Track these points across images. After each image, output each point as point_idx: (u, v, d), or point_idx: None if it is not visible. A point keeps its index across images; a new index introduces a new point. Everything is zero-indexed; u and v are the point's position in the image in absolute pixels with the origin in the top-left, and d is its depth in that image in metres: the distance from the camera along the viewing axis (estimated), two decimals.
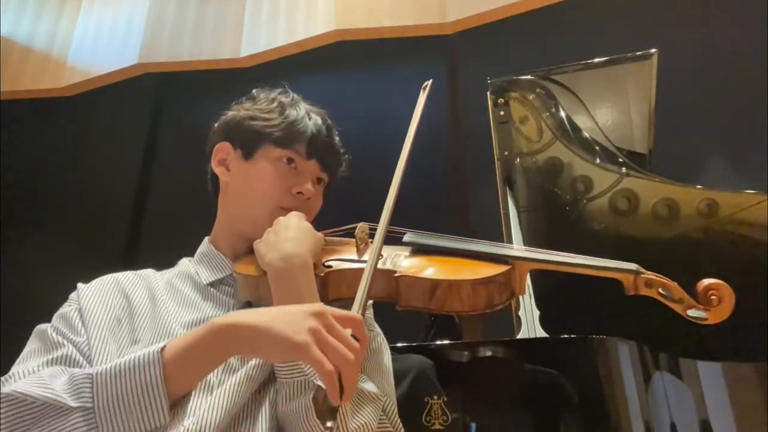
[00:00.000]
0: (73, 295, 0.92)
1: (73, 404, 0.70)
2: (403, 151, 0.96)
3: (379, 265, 0.87)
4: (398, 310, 0.87)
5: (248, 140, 1.01)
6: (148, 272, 1.00)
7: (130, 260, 3.32)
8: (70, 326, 0.86)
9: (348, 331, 0.70)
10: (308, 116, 1.03)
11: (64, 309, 0.89)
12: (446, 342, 1.53)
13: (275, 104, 1.03)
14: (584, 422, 1.24)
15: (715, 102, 2.66)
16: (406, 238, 0.96)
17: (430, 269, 0.87)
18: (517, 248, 0.97)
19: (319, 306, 0.71)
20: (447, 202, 3.10)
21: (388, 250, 0.93)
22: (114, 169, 3.58)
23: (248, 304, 0.91)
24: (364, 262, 0.85)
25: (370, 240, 0.96)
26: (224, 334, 0.72)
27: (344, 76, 3.48)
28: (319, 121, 1.04)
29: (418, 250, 0.94)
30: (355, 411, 0.80)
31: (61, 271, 3.13)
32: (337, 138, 1.07)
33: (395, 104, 3.28)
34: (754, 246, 1.75)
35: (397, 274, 0.85)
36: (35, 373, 0.76)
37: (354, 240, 0.98)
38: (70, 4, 4.14)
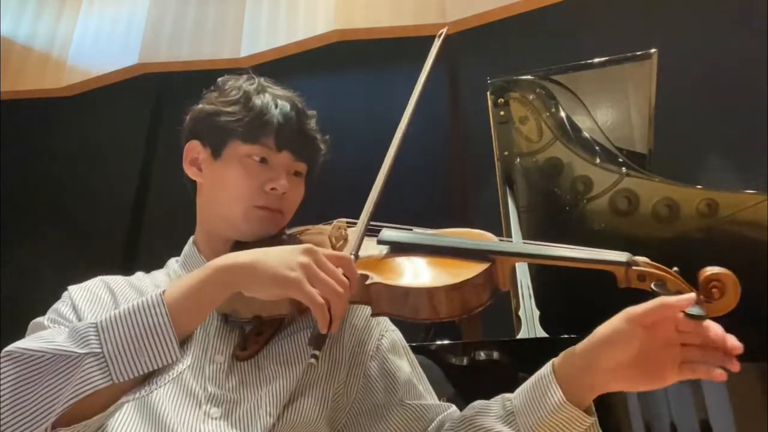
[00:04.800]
0: (65, 294, 0.92)
1: (82, 351, 0.69)
2: (406, 110, 0.97)
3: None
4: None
5: (215, 138, 0.97)
6: (137, 275, 0.99)
7: (130, 260, 3.32)
8: (64, 318, 0.87)
9: (339, 271, 0.75)
10: (275, 104, 0.95)
11: (58, 304, 0.90)
12: (446, 342, 1.53)
13: (240, 94, 0.96)
14: None
15: (715, 102, 2.65)
16: (381, 236, 0.89)
17: (402, 274, 0.82)
18: (501, 240, 0.90)
19: (309, 244, 0.76)
20: (447, 202, 3.10)
21: (362, 251, 0.86)
22: (114, 169, 3.57)
23: (225, 317, 0.88)
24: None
25: (347, 232, 0.91)
26: (223, 273, 0.76)
27: (344, 76, 3.47)
28: (287, 107, 0.96)
29: (395, 249, 0.87)
30: None
31: (61, 271, 3.13)
32: (311, 122, 0.99)
33: (395, 104, 3.27)
34: (754, 246, 1.75)
35: (367, 282, 0.80)
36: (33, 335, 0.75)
37: (329, 238, 0.92)
38: (70, 4, 4.14)
